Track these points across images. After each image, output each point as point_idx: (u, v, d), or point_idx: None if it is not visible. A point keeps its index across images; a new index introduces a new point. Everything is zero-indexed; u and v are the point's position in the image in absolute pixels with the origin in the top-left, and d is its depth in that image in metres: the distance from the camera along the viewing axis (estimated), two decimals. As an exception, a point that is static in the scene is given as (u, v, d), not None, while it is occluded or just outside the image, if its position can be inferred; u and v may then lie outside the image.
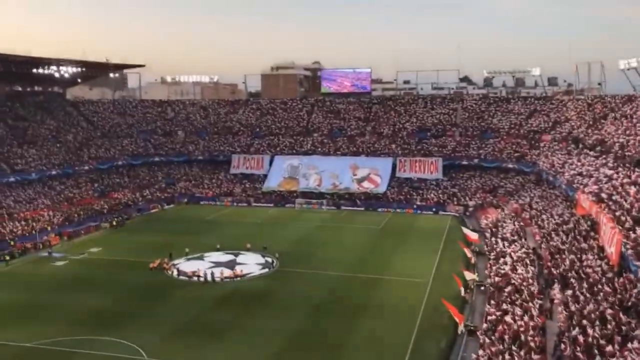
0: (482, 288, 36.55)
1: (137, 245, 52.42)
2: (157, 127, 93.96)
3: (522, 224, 49.94)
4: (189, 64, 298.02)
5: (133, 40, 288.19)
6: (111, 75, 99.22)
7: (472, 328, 29.51)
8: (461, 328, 29.69)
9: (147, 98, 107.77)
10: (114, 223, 61.81)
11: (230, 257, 47.75)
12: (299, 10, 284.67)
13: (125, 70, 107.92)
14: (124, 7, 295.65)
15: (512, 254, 40.25)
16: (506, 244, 43.88)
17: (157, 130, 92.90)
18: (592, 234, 37.97)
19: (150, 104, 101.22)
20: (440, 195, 71.75)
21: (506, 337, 26.26)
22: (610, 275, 29.72)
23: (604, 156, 51.34)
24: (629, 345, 21.32)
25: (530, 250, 40.71)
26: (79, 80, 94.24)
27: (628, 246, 28.81)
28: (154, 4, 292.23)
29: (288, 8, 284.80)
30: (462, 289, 36.04)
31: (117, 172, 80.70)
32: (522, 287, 32.47)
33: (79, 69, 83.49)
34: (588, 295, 28.04)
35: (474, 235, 49.92)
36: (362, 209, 71.51)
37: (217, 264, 45.19)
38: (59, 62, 78.29)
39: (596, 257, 33.24)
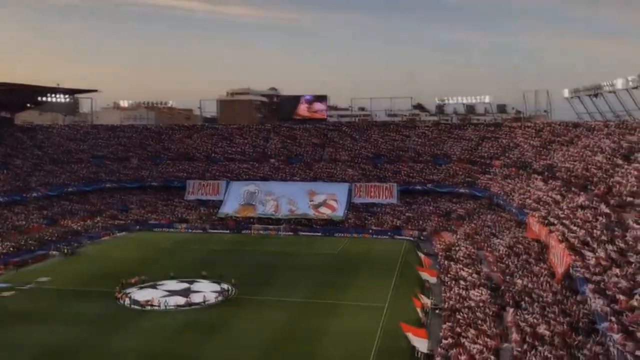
0: (438, 312, 36.94)
1: (89, 274, 50.79)
2: (110, 152, 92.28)
3: (475, 247, 50.99)
4: (143, 89, 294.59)
5: (84, 64, 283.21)
6: (62, 100, 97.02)
7: (429, 351, 29.73)
8: (425, 348, 29.77)
9: (100, 123, 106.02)
10: (65, 251, 59.83)
11: (185, 285, 46.83)
12: (251, 37, 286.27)
13: (77, 95, 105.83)
14: (72, 29, 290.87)
15: (467, 277, 41.03)
16: (460, 267, 44.67)
17: (110, 156, 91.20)
18: (542, 256, 39.19)
19: (102, 129, 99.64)
20: (396, 220, 72.60)
21: (463, 358, 26.62)
22: (560, 297, 30.68)
23: (551, 181, 53.25)
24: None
25: (484, 274, 41.57)
26: (28, 105, 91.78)
27: (577, 268, 29.82)
28: (109, 31, 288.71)
29: (241, 35, 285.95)
30: (421, 311, 36.34)
31: (67, 198, 78.38)
32: (477, 310, 33.10)
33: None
34: (540, 316, 28.81)
35: (428, 259, 50.63)
36: (320, 234, 71.59)
37: (172, 293, 44.28)
38: (9, 87, 76.08)
39: (547, 279, 34.29)
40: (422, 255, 52.56)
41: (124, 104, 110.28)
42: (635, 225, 30.02)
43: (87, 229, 69.77)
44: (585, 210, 37.11)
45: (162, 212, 79.29)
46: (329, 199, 77.39)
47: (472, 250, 49.98)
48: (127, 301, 42.32)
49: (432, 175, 79.39)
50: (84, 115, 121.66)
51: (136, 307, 41.29)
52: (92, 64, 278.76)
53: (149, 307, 41.03)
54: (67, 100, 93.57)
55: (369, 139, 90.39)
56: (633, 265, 25.81)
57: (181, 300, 42.28)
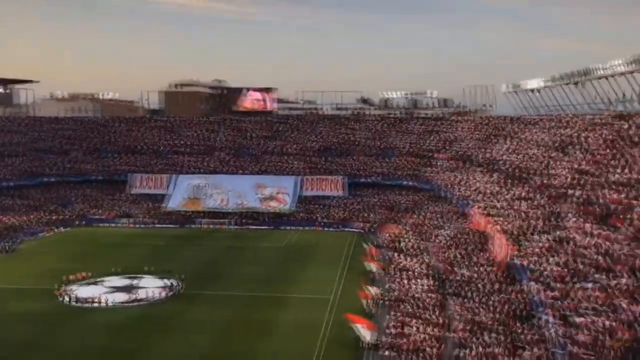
0: (384, 302, 37.30)
1: (28, 272, 48.57)
2: (51, 145, 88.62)
3: (420, 238, 51.76)
4: (84, 80, 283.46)
5: (20, 54, 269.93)
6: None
7: (375, 341, 29.97)
8: (371, 338, 29.95)
9: (39, 115, 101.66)
10: (7, 249, 56.95)
11: (129, 281, 45.50)
12: (196, 30, 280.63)
13: (14, 86, 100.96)
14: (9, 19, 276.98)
15: (412, 267, 41.62)
16: (406, 258, 45.26)
17: (51, 149, 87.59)
18: (484, 246, 40.18)
19: (44, 121, 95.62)
20: (345, 213, 72.86)
21: (408, 347, 26.94)
22: (499, 286, 31.52)
23: (492, 173, 54.69)
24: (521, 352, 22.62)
25: (429, 264, 42.27)
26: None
27: (517, 257, 30.71)
28: (45, 19, 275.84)
29: (185, 27, 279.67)
30: (366, 302, 36.61)
31: (5, 193, 74.80)
32: (422, 300, 33.61)
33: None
34: (482, 305, 29.50)
35: (375, 251, 51.04)
36: (269, 227, 70.64)
37: (115, 289, 42.97)
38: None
39: (488, 268, 35.16)
40: (368, 247, 52.98)
41: (63, 94, 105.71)
42: (570, 216, 31.15)
43: (26, 225, 66.81)
44: (524, 202, 38.27)
45: (106, 207, 76.49)
46: (278, 192, 76.65)
47: (418, 241, 50.73)
48: (69, 299, 40.82)
49: (378, 168, 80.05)
50: (20, 107, 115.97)
51: (79, 304, 39.90)
52: (28, 54, 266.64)
53: (91, 305, 39.71)
54: (2, 91, 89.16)
55: (317, 132, 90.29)
56: (568, 254, 26.77)
57: (125, 296, 41.14)
